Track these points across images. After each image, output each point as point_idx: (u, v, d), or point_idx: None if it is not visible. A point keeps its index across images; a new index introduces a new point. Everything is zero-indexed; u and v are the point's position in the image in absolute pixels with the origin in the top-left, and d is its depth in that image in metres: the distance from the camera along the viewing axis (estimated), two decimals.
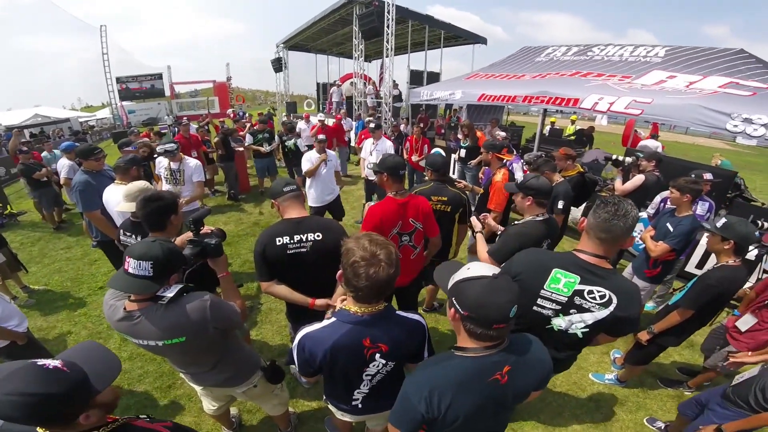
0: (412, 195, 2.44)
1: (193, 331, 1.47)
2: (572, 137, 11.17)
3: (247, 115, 15.91)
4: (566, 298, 1.55)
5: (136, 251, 1.35)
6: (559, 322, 1.62)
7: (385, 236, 2.32)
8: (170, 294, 1.41)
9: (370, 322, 1.30)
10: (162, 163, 4.22)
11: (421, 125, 6.57)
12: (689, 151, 17.67)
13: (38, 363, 0.90)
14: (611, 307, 1.50)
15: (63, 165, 5.30)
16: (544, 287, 1.58)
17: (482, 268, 1.11)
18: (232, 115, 13.18)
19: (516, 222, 2.31)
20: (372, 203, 2.58)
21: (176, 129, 7.43)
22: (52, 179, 6.13)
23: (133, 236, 2.34)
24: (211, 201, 7.29)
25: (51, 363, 0.91)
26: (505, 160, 3.44)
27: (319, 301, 2.02)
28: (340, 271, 1.29)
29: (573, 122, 12.52)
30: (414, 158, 6.20)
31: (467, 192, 3.44)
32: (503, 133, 6.03)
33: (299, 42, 17.18)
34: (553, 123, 13.09)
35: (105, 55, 22.30)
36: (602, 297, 1.51)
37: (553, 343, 1.65)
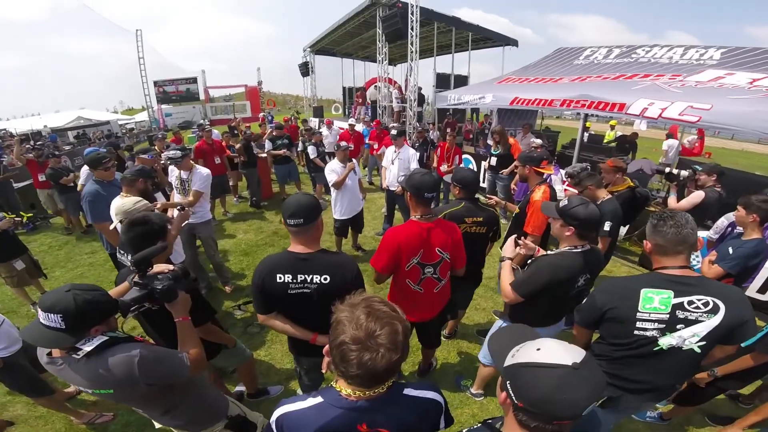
0: (440, 219, 2.14)
1: (119, 386, 1.36)
2: (613, 144, 10.39)
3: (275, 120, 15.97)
4: (667, 315, 1.52)
5: (45, 302, 1.24)
6: (669, 341, 1.55)
7: (403, 266, 2.09)
8: (88, 348, 1.28)
9: (366, 409, 1.01)
10: (174, 172, 4.02)
11: (453, 132, 6.20)
12: (738, 159, 15.91)
13: None
14: (721, 313, 1.46)
15: (84, 171, 5.32)
16: (639, 309, 1.54)
17: (558, 349, 0.84)
18: (260, 120, 13.27)
19: (549, 252, 1.97)
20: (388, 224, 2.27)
21: (199, 134, 7.40)
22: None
23: (128, 256, 2.14)
24: (234, 208, 7.25)
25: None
26: (545, 175, 3.05)
27: (322, 338, 1.82)
28: (326, 347, 1.02)
29: (612, 128, 11.62)
30: (443, 168, 5.85)
31: (498, 208, 3.11)
32: (538, 140, 5.57)
33: (325, 46, 17.26)
34: (588, 128, 12.23)
35: (141, 58, 23.24)
36: (706, 304, 1.48)
37: (670, 368, 1.60)
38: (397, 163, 5.04)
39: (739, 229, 2.75)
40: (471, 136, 11.34)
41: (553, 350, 0.84)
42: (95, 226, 3.28)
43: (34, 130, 21.13)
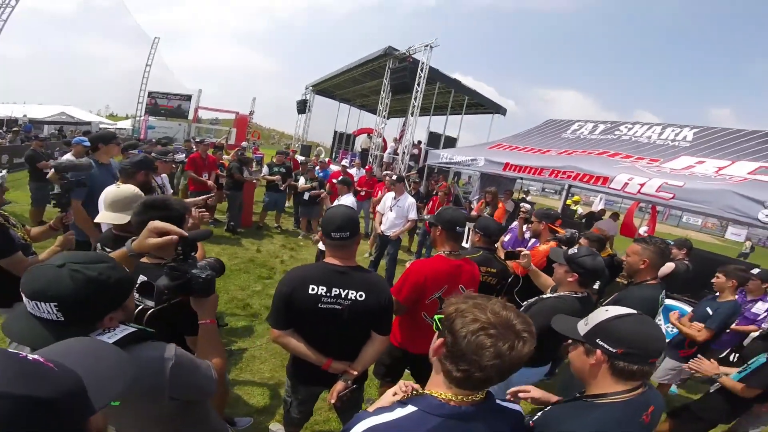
0: (467, 259, 2.16)
1: (137, 398, 0.99)
2: (582, 220, 10.91)
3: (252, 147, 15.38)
4: None
5: (31, 284, 0.88)
6: None
7: (425, 299, 2.04)
8: (108, 341, 0.89)
9: (470, 416, 0.89)
10: None
11: (446, 188, 6.35)
12: None
13: (9, 350, 0.56)
14: None
15: (64, 158, 4.95)
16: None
17: (617, 306, 1.16)
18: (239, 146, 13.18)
19: (549, 295, 2.07)
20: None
21: (194, 148, 7.25)
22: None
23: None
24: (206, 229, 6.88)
25: (29, 354, 0.57)
26: (558, 234, 3.15)
27: (337, 365, 1.69)
28: (437, 342, 0.92)
29: (576, 203, 12.23)
30: None
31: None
32: (528, 206, 5.76)
33: (327, 87, 17.84)
34: (578, 202, 12.72)
35: (148, 66, 23.14)
36: None
37: None
38: (395, 211, 5.00)
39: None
40: (452, 198, 11.60)
41: (616, 307, 1.15)
42: (74, 208, 2.70)
43: (11, 117, 20.12)
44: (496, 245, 2.76)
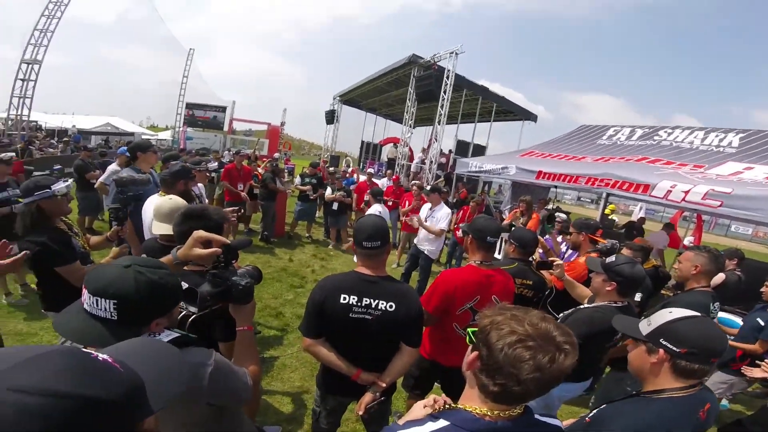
0: (500, 269, 2.13)
1: (174, 401, 1.00)
2: (621, 230, 10.35)
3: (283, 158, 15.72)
4: None
5: (95, 281, 0.92)
6: None
7: (455, 310, 2.01)
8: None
9: (506, 431, 0.85)
10: None
11: (482, 196, 6.24)
12: None
13: (79, 348, 0.57)
14: None
15: (109, 170, 5.19)
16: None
17: (682, 308, 1.21)
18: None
19: (586, 305, 1.99)
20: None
21: (231, 158, 7.55)
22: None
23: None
24: (246, 238, 7.13)
25: (98, 354, 0.57)
26: (599, 245, 3.02)
27: (366, 376, 1.69)
28: (472, 355, 0.88)
29: (612, 212, 11.63)
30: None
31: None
32: (563, 215, 5.56)
33: (354, 97, 18.05)
34: (613, 210, 12.14)
35: (185, 78, 24.32)
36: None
37: None
38: (430, 222, 4.94)
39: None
40: (483, 209, 11.37)
41: (679, 309, 1.19)
42: (110, 207, 2.93)
43: (62, 128, 21.73)
44: (532, 257, 2.67)
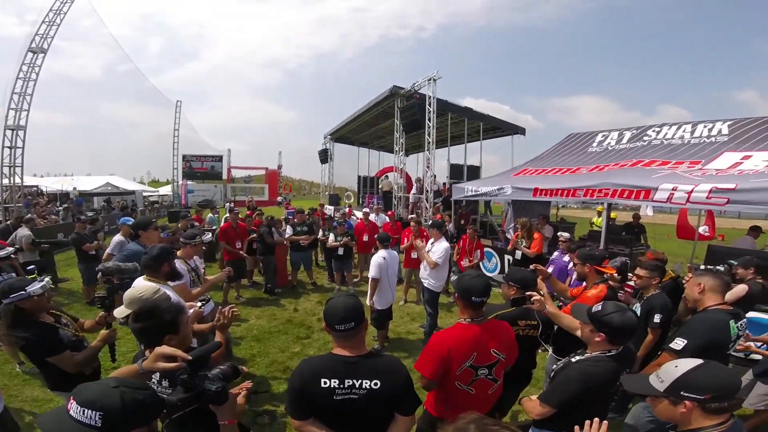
0: (492, 320, 2.07)
1: None
2: (623, 233, 10.03)
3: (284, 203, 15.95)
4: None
5: (84, 395, 1.02)
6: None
7: (454, 371, 1.92)
8: None
9: None
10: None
11: (474, 226, 6.17)
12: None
13: None
14: None
15: (115, 240, 5.24)
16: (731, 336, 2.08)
17: (687, 359, 1.32)
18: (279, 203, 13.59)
19: (577, 357, 1.87)
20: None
21: (226, 216, 7.54)
22: (101, 254, 6.06)
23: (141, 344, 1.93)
24: (247, 293, 7.02)
25: None
26: (606, 275, 2.87)
27: None
28: None
29: (599, 214, 11.27)
30: (464, 263, 5.69)
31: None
32: (566, 234, 5.41)
33: (344, 134, 18.25)
34: (614, 219, 11.72)
35: (176, 130, 24.63)
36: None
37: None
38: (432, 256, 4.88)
39: None
40: (479, 235, 11.14)
41: (683, 361, 1.31)
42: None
43: (63, 191, 21.98)
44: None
